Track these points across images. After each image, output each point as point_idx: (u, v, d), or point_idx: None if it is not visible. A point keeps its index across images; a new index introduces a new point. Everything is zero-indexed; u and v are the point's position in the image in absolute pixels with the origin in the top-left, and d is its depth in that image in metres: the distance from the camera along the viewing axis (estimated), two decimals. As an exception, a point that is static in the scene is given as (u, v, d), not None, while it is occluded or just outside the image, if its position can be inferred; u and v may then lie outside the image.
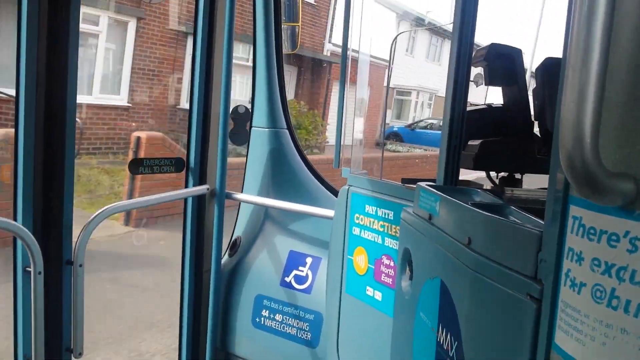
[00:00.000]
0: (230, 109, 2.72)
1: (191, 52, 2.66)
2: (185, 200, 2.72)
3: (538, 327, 0.88)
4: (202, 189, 2.68)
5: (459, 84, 1.58)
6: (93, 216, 2.15)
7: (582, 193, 0.75)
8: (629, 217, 0.72)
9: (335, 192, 2.70)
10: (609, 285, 0.74)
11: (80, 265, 2.09)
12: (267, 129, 2.88)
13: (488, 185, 1.94)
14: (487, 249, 1.06)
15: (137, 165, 2.60)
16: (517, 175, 1.86)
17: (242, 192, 2.92)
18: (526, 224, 1.03)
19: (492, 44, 1.81)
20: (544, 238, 0.90)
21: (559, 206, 0.86)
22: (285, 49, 2.96)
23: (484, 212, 1.09)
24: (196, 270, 2.74)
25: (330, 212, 2.28)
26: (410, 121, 22.60)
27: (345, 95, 2.22)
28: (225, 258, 2.87)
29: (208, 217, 2.72)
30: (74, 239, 2.12)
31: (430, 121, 21.08)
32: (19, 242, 1.95)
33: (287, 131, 2.90)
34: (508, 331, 0.96)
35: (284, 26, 2.92)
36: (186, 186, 2.70)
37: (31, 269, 1.90)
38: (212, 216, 2.70)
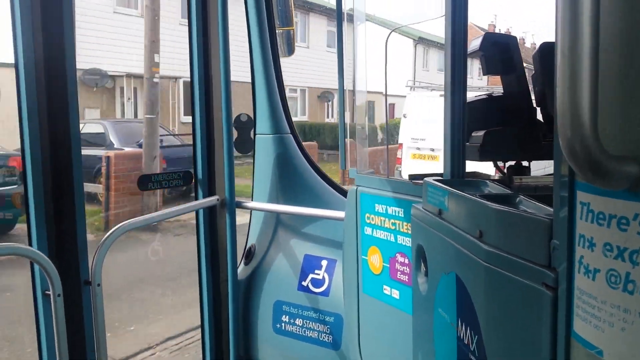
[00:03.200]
0: (233, 118, 2.73)
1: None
2: (197, 212, 2.73)
3: (556, 315, 0.88)
4: (212, 200, 2.69)
5: (456, 76, 1.58)
6: (107, 234, 2.17)
7: (586, 179, 0.74)
8: (637, 199, 0.72)
9: (344, 193, 2.70)
10: (623, 269, 0.73)
11: (99, 285, 2.10)
12: (271, 135, 2.88)
13: (496, 175, 1.93)
14: (499, 240, 1.05)
15: (145, 182, 2.61)
16: (525, 163, 1.85)
17: (252, 199, 2.94)
18: (536, 212, 1.03)
19: (487, 33, 1.80)
20: (555, 225, 0.90)
21: (566, 192, 0.85)
22: (282, 53, 2.97)
23: (493, 204, 1.09)
24: (214, 281, 2.75)
25: (341, 214, 2.28)
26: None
27: (345, 97, 2.22)
28: (241, 267, 2.88)
29: (220, 227, 2.74)
30: (90, 259, 2.14)
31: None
32: (36, 267, 1.97)
33: (290, 136, 2.91)
34: (526, 321, 0.96)
35: (278, 31, 2.92)
36: (196, 198, 2.72)
37: (50, 292, 1.92)
38: (225, 226, 2.71)
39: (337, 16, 2.12)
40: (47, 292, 1.96)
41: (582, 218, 0.81)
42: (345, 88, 2.21)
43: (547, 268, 0.91)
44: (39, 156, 1.97)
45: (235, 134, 2.87)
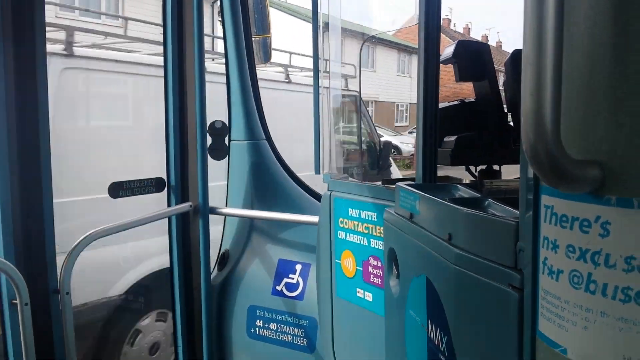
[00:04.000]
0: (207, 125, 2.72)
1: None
2: (170, 218, 2.71)
3: (522, 315, 0.90)
4: (184, 206, 2.67)
5: (429, 83, 1.61)
6: (76, 242, 2.13)
7: (549, 183, 0.76)
8: (598, 202, 0.74)
9: (319, 199, 2.71)
10: (585, 270, 0.76)
11: (67, 293, 2.07)
12: (245, 142, 2.88)
13: (468, 178, 1.97)
14: (467, 243, 1.07)
15: (117, 189, 2.58)
16: (496, 167, 1.89)
17: (226, 206, 2.92)
18: (503, 215, 1.05)
19: (460, 40, 1.84)
20: (520, 228, 0.92)
21: (531, 196, 0.88)
22: (258, 60, 2.97)
23: (462, 207, 1.11)
24: (186, 288, 2.72)
25: (315, 218, 2.29)
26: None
27: (320, 101, 2.23)
28: (214, 273, 2.86)
29: (193, 233, 2.71)
30: (59, 267, 2.10)
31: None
32: (3, 276, 1.93)
33: (266, 142, 2.91)
34: (493, 322, 0.98)
35: (255, 38, 2.92)
36: (169, 205, 2.69)
37: (17, 301, 1.87)
38: (198, 232, 2.69)
39: (313, 19, 2.13)
40: (13, 301, 1.91)
41: (546, 221, 0.83)
42: (319, 93, 2.22)
43: (513, 270, 0.93)
44: (7, 162, 1.94)
45: (209, 141, 2.86)
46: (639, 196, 0.70)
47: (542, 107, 0.70)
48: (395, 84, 27.10)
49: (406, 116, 29.79)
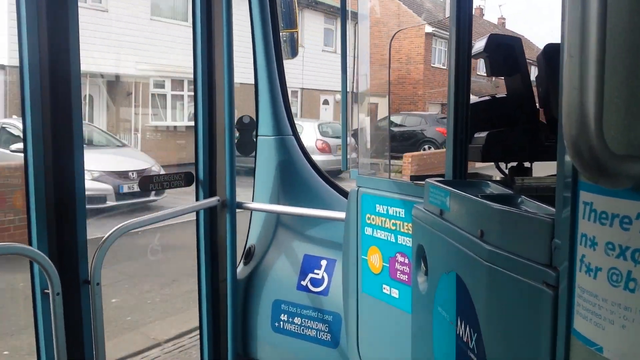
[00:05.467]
0: (235, 120, 2.74)
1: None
2: (197, 213, 2.74)
3: (556, 313, 0.88)
4: (212, 200, 2.70)
5: (460, 77, 1.58)
6: (107, 235, 2.17)
7: (590, 178, 0.75)
8: None
9: (345, 194, 2.71)
10: (625, 268, 0.74)
11: (98, 284, 2.11)
12: (273, 137, 2.89)
13: (498, 176, 1.94)
14: (500, 240, 1.06)
15: (147, 183, 2.62)
16: (527, 164, 1.86)
17: (252, 200, 2.94)
18: (538, 212, 1.04)
19: (491, 34, 1.81)
20: (557, 225, 0.90)
21: (569, 192, 0.86)
22: (285, 55, 2.97)
23: (494, 204, 1.09)
24: (212, 281, 2.75)
25: (341, 215, 2.29)
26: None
27: (349, 98, 2.23)
28: (240, 267, 2.88)
29: (220, 228, 2.74)
30: (90, 258, 2.14)
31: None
32: (36, 266, 1.97)
33: (292, 137, 2.91)
34: (526, 320, 0.96)
35: (282, 33, 2.93)
36: (197, 199, 2.72)
37: (49, 291, 1.92)
38: (225, 227, 2.72)
39: (342, 14, 2.12)
40: (46, 290, 1.96)
41: (585, 217, 0.82)
42: (348, 90, 2.22)
43: (548, 267, 0.91)
44: (42, 156, 1.98)
45: (237, 135, 2.88)
46: None
47: (585, 101, 0.69)
48: (320, 63, 20.18)
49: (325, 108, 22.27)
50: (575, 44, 0.69)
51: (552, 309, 0.89)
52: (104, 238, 2.16)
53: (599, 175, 0.73)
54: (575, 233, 0.84)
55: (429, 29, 22.89)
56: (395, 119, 17.31)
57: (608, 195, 0.77)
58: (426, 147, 16.87)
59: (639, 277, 0.72)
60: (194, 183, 2.70)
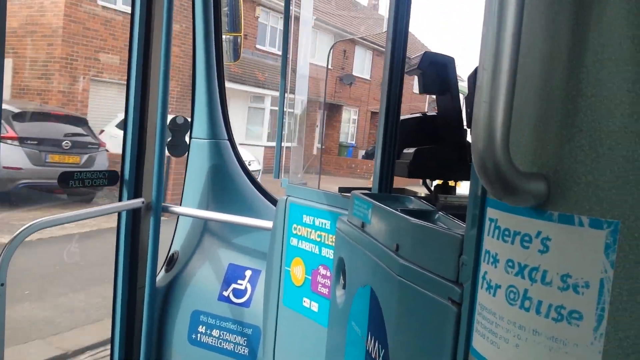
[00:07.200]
0: (168, 120, 2.64)
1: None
2: (119, 214, 2.61)
3: (458, 330, 0.87)
4: (136, 202, 2.58)
5: (392, 93, 1.59)
6: (16, 233, 2.04)
7: (494, 194, 0.74)
8: (541, 217, 0.72)
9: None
10: (522, 286, 0.73)
11: (2, 285, 1.97)
12: (207, 140, 2.81)
13: (425, 193, 1.95)
14: (413, 254, 1.04)
15: (67, 179, 2.46)
16: (452, 183, 1.88)
17: (180, 204, 2.83)
18: (451, 228, 1.03)
19: (426, 52, 1.83)
20: (465, 241, 0.90)
21: (477, 209, 0.85)
22: (227, 59, 2.92)
23: (411, 218, 1.08)
24: (130, 287, 2.62)
25: (270, 224, 2.24)
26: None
27: (284, 105, 2.19)
28: (161, 274, 2.76)
29: (143, 231, 2.62)
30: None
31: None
32: None
33: (227, 142, 2.84)
34: (431, 336, 0.95)
35: (225, 36, 2.87)
36: (120, 199, 2.59)
37: None
38: (148, 230, 2.60)
39: (285, 17, 2.10)
40: None
41: (489, 234, 0.81)
42: (284, 97, 2.19)
43: (454, 283, 0.90)
44: None
45: (169, 136, 2.78)
46: (580, 213, 0.68)
47: (493, 115, 0.68)
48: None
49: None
50: (489, 57, 0.68)
51: (455, 325, 0.88)
52: (13, 237, 2.02)
53: (502, 192, 0.72)
54: (480, 249, 0.83)
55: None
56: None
57: (512, 212, 0.76)
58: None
59: (535, 296, 0.71)
60: (119, 182, 2.57)
